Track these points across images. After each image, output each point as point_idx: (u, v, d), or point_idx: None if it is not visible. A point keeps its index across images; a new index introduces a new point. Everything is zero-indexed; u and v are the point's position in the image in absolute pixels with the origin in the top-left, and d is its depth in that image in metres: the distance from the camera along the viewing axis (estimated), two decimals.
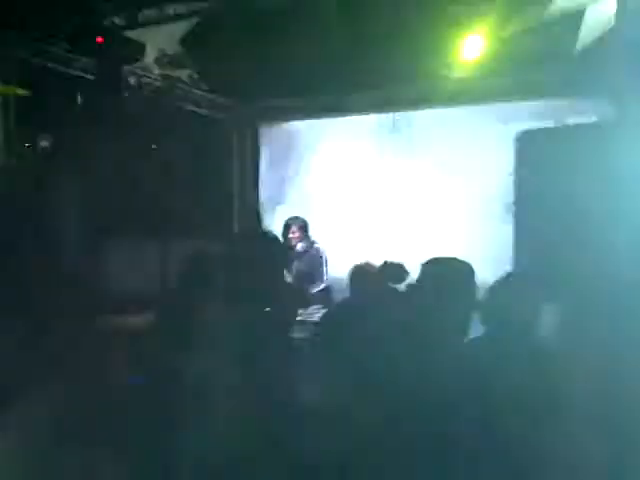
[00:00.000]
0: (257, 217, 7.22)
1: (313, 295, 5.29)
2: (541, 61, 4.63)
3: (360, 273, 3.81)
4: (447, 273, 2.48)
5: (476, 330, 2.57)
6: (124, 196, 5.56)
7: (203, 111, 6.77)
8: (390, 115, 6.37)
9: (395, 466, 2.17)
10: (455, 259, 2.51)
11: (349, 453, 2.24)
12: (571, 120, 4.49)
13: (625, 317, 2.62)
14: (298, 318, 4.68)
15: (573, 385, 2.41)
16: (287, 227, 5.54)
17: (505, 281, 2.55)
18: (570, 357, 2.57)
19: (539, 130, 3.91)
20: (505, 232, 4.05)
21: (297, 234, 5.47)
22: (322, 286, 5.38)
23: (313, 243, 5.55)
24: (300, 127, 7.01)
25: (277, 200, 7.17)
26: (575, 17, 3.98)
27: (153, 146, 6.00)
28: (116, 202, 5.38)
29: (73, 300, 3.92)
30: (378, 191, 6.46)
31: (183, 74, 6.34)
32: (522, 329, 2.42)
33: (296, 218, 5.61)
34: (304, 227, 5.53)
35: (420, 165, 6.22)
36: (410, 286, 2.90)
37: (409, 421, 2.18)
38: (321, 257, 5.45)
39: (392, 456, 2.19)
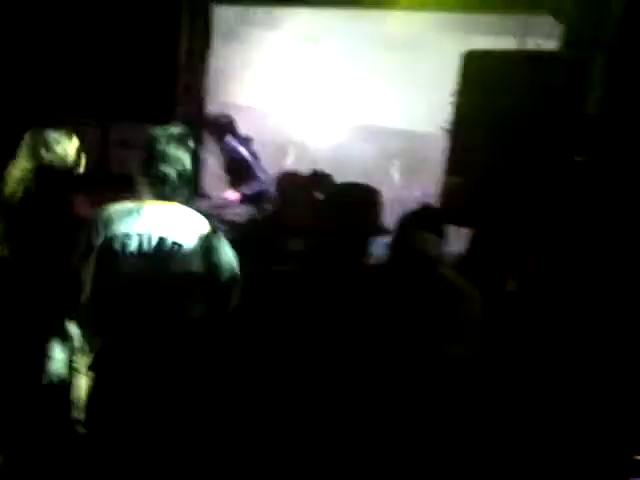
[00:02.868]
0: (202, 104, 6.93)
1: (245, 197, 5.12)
2: None
3: (286, 181, 3.71)
4: (353, 196, 2.44)
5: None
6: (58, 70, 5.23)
7: None
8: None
9: None
10: (365, 185, 2.49)
11: None
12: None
13: None
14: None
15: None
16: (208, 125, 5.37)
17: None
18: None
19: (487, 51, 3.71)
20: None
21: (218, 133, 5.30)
22: (257, 188, 5.15)
23: (241, 141, 5.33)
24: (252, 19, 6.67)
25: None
26: None
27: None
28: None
29: None
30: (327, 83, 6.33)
31: None
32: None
33: (218, 116, 5.40)
34: (229, 125, 5.32)
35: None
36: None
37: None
38: (244, 157, 5.23)
39: None
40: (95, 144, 5.39)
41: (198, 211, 2.53)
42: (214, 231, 2.39)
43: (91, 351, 2.26)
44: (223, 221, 4.52)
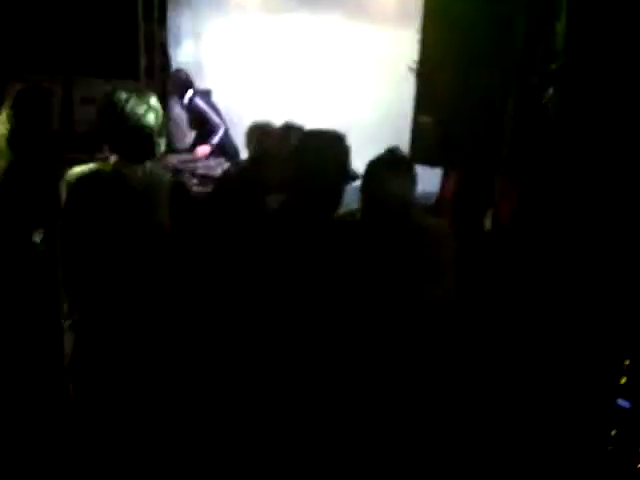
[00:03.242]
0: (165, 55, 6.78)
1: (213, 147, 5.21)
2: None
3: (263, 132, 3.66)
4: (320, 145, 2.39)
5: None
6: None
7: None
8: None
9: None
10: (331, 131, 2.42)
11: None
12: None
13: None
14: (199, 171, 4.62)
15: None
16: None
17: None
18: None
19: None
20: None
21: (177, 90, 5.45)
22: (221, 135, 5.29)
23: (199, 94, 5.45)
24: None
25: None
26: None
27: None
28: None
29: None
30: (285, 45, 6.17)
31: None
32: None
33: (175, 73, 5.53)
34: (187, 80, 5.44)
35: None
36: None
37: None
38: (204, 110, 5.38)
39: None
40: (58, 102, 5.31)
41: (168, 167, 2.52)
42: (181, 187, 2.41)
43: (71, 312, 2.27)
44: (195, 175, 4.51)
